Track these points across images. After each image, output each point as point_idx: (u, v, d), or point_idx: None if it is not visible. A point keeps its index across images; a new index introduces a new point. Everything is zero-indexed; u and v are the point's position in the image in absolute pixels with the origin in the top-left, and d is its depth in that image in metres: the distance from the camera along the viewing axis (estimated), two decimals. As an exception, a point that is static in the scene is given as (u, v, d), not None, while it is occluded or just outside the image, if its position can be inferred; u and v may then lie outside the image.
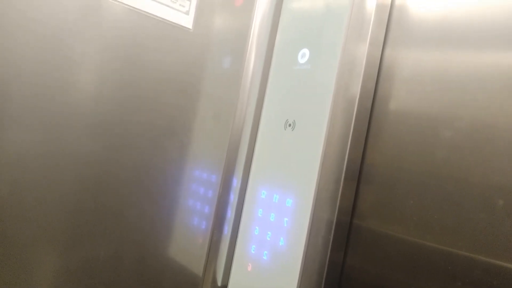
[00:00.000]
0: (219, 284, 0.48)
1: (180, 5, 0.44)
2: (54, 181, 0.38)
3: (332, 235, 0.39)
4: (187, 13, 0.44)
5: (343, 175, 0.40)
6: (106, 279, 0.42)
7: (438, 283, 0.34)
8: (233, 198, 0.49)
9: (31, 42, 0.36)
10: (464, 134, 0.35)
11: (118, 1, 0.40)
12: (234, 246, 0.46)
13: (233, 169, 0.49)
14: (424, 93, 0.38)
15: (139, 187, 0.44)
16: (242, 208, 0.46)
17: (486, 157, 0.33)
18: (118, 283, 0.43)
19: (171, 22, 0.44)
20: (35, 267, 0.38)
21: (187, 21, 0.45)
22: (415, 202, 0.36)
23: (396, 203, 0.38)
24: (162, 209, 0.45)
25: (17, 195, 0.37)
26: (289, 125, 0.43)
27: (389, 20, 0.42)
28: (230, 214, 0.49)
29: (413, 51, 0.40)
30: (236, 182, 0.49)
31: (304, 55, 0.44)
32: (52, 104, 0.38)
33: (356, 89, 0.40)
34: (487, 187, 0.33)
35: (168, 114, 0.45)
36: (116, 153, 0.42)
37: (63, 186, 0.39)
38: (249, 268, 0.43)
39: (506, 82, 0.33)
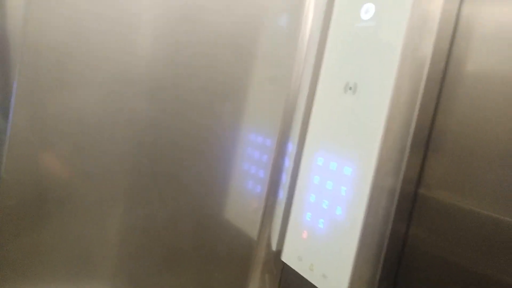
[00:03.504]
0: (274, 248, 0.49)
1: (235, -41, 0.41)
2: (111, 141, 0.39)
3: (394, 206, 0.37)
4: (242, -32, 0.42)
5: (409, 142, 0.37)
6: (164, 238, 0.44)
7: None
8: (289, 163, 0.48)
9: (91, 4, 0.36)
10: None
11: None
12: (289, 212, 0.46)
13: (289, 134, 0.48)
14: (509, 53, 0.33)
15: (194, 149, 0.44)
16: (297, 174, 0.45)
17: None
18: (175, 243, 0.45)
19: (226, -22, 0.41)
20: (101, 223, 0.41)
21: (243, -23, 0.42)
22: (492, 176, 0.33)
23: (469, 174, 0.35)
24: (217, 172, 0.46)
25: (79, 153, 0.38)
26: (350, 88, 0.40)
27: (472, -33, 0.37)
28: (285, 179, 0.48)
29: (498, 5, 0.35)
30: (292, 147, 0.48)
31: (368, 10, 0.40)
32: (110, 65, 0.38)
33: (427, 48, 0.36)
34: None
35: (223, 76, 0.44)
36: (171, 115, 0.42)
37: (120, 146, 0.40)
38: (304, 236, 0.43)
39: None
